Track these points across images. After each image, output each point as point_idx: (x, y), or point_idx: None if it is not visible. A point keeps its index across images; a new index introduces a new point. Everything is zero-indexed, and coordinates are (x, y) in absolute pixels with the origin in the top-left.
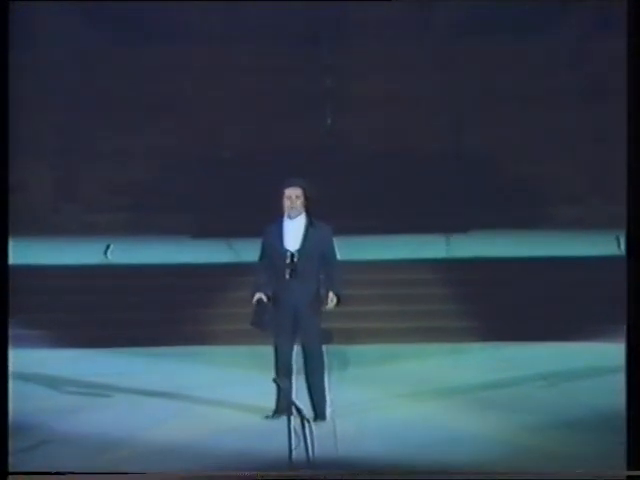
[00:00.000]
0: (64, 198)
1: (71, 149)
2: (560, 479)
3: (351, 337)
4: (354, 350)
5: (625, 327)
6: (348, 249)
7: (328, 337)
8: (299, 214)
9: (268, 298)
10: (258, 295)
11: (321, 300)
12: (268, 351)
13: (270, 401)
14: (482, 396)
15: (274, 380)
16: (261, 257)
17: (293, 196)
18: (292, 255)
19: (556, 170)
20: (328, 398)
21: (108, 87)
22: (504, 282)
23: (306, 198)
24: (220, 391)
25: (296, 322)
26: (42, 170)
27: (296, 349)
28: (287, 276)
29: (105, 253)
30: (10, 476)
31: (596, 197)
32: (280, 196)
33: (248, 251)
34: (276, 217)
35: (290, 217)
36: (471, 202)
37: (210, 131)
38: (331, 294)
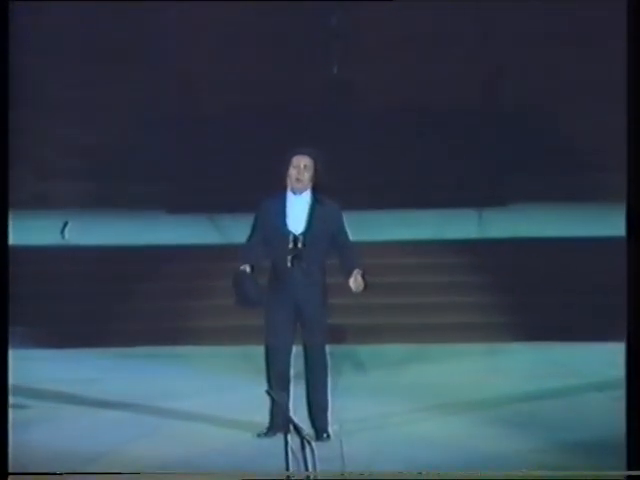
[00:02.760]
0: (10, 162)
1: (18, 101)
2: (560, 479)
3: (363, 335)
4: (366, 351)
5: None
6: (359, 228)
7: (335, 336)
8: (305, 189)
9: (252, 269)
10: (242, 268)
11: (327, 291)
12: (259, 351)
13: (263, 414)
14: (523, 409)
15: (267, 392)
16: (251, 237)
17: (301, 165)
18: (295, 238)
19: (614, 129)
20: (332, 411)
21: (62, 26)
22: (551, 268)
23: (316, 170)
24: (203, 402)
25: (297, 319)
26: None
27: (294, 352)
28: (288, 264)
29: (62, 232)
30: (10, 476)
31: None
32: (280, 164)
33: (237, 230)
34: (274, 188)
35: (294, 192)
36: (509, 168)
37: (190, 81)
38: (356, 272)
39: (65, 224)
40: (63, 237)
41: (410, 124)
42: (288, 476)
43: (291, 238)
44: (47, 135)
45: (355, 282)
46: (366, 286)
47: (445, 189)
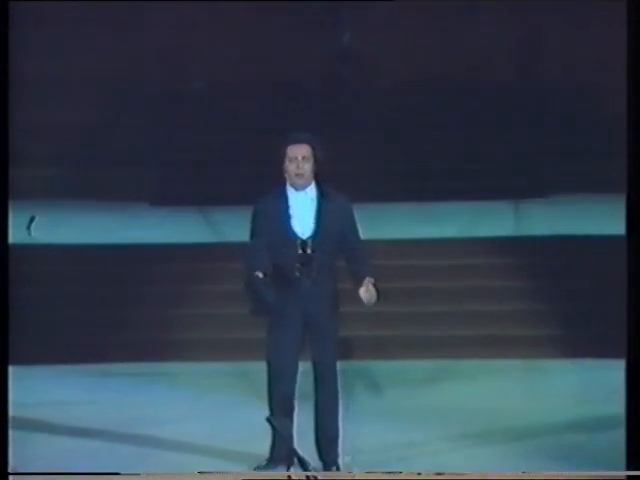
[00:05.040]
0: None
1: None
2: (560, 479)
3: (379, 350)
4: (385, 369)
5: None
6: (374, 224)
7: (348, 350)
8: (307, 183)
9: (265, 275)
10: (256, 273)
11: (338, 300)
12: (259, 369)
13: (263, 443)
14: (570, 439)
15: (268, 419)
16: (255, 242)
17: (299, 157)
18: (304, 244)
19: None
20: (343, 440)
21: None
22: (600, 270)
23: (316, 160)
24: (192, 428)
25: (305, 332)
26: None
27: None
28: (296, 272)
29: (28, 227)
30: (10, 476)
31: None
32: (279, 156)
33: (232, 226)
34: (274, 178)
35: (296, 188)
36: (550, 154)
37: (177, 54)
38: (367, 281)
39: (32, 219)
40: (29, 234)
41: (432, 102)
42: (289, 476)
43: (299, 244)
44: (11, 115)
45: (367, 293)
46: (379, 297)
47: (475, 178)
